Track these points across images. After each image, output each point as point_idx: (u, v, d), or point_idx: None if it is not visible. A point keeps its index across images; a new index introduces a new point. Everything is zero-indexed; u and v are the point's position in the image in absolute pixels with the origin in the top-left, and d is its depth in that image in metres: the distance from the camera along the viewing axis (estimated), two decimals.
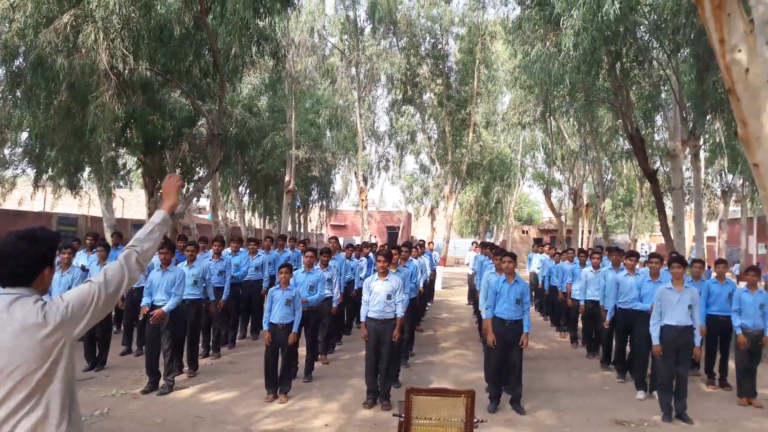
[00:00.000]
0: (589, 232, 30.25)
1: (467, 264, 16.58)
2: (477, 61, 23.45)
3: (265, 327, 6.45)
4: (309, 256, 7.68)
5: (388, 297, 6.25)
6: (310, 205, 35.07)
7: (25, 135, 14.54)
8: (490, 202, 36.39)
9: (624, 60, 12.84)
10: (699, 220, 12.74)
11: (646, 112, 15.30)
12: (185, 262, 7.72)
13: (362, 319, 6.40)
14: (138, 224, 24.86)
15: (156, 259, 7.10)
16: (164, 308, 6.49)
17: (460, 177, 24.91)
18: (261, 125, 19.65)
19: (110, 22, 9.91)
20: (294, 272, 7.24)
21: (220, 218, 24.89)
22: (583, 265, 10.03)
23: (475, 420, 3.51)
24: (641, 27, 12.52)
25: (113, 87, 9.95)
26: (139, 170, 20.83)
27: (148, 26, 10.95)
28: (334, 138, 24.46)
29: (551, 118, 21.37)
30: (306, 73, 23.28)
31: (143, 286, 7.28)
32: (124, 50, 9.99)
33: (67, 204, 22.22)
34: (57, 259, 7.75)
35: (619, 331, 7.66)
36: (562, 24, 11.08)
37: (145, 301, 6.73)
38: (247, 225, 28.92)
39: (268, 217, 30.93)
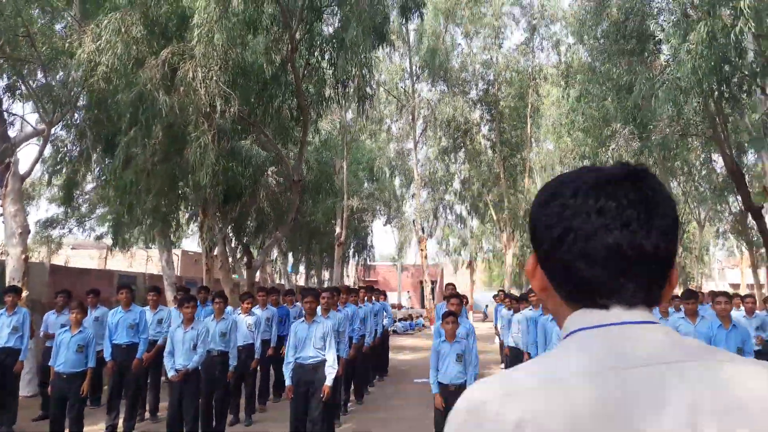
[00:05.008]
0: None
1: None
2: (529, 105, 22.90)
3: None
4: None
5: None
6: (347, 260, 33.88)
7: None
8: None
9: (729, 86, 12.09)
10: None
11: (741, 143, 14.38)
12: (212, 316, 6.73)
13: (432, 386, 5.36)
14: (190, 282, 23.76)
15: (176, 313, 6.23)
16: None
17: (517, 224, 23.86)
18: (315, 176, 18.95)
19: (209, 59, 9.25)
20: None
21: (267, 274, 23.79)
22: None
23: None
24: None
25: (214, 126, 9.17)
26: (192, 226, 20.08)
27: (243, 65, 10.32)
28: (389, 186, 23.64)
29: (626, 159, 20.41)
30: (356, 124, 22.81)
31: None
32: (224, 87, 9.26)
33: (117, 262, 21.34)
34: None
35: None
36: (670, 49, 10.57)
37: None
38: (291, 283, 27.71)
39: (311, 272, 29.80)
